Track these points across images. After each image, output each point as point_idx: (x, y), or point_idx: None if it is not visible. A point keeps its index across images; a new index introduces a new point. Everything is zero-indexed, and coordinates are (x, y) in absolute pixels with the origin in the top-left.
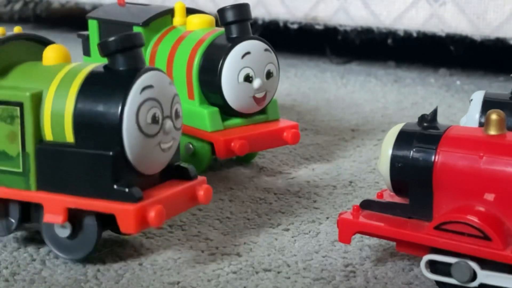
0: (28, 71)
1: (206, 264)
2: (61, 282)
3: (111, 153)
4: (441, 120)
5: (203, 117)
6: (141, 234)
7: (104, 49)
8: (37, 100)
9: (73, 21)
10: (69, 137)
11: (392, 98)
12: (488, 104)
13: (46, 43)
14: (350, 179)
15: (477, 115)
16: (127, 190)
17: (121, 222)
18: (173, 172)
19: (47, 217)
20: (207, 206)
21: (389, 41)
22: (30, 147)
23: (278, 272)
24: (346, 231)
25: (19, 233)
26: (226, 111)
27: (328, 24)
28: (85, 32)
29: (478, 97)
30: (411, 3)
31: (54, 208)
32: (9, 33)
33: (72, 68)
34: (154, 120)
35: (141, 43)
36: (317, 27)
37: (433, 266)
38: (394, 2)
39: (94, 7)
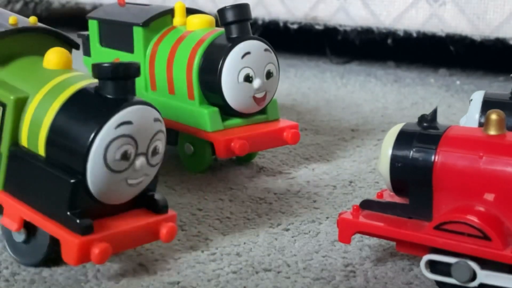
0: (24, 70)
1: (206, 264)
2: (61, 282)
3: (72, 180)
4: (441, 120)
5: (203, 117)
6: None
7: (97, 73)
8: (21, 104)
9: (73, 21)
10: (41, 151)
11: (392, 98)
12: (488, 104)
13: (61, 37)
14: (350, 179)
15: (477, 115)
16: (78, 221)
17: (64, 251)
18: (145, 201)
19: (4, 221)
20: (207, 206)
21: (389, 41)
22: (4, 148)
23: (278, 272)
24: (346, 231)
25: None
26: (226, 111)
27: (328, 24)
28: (85, 32)
29: (478, 97)
30: (411, 3)
31: (12, 215)
32: (21, 24)
33: (64, 80)
34: (124, 157)
35: (136, 74)
36: (317, 27)
37: (433, 266)
38: (394, 2)
39: (94, 7)
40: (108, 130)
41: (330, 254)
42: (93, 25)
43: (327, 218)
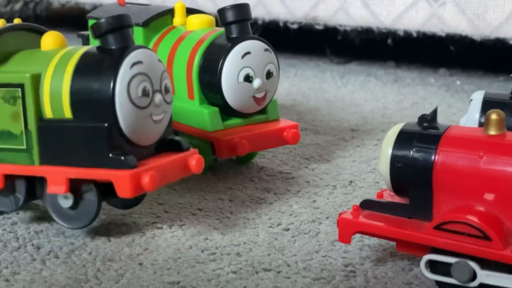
0: (27, 57)
1: (206, 264)
2: (61, 282)
3: (105, 124)
4: (441, 120)
5: (203, 117)
6: (141, 233)
7: (96, 30)
8: (37, 80)
9: (73, 21)
10: (67, 114)
11: (392, 98)
12: (488, 104)
13: (43, 32)
14: (350, 179)
15: (477, 115)
16: (122, 158)
17: (118, 187)
18: (167, 145)
19: (51, 188)
20: (207, 206)
21: (389, 41)
22: (32, 125)
23: (278, 272)
24: (346, 231)
25: (19, 233)
26: (226, 111)
27: (328, 24)
28: (85, 32)
29: (478, 97)
30: (411, 3)
31: (57, 180)
32: (8, 24)
33: (68, 50)
34: (145, 93)
35: (130, 23)
36: (317, 27)
37: (433, 266)
38: (394, 2)
39: (94, 7)
40: (125, 71)
41: (330, 254)
42: None
43: (327, 218)
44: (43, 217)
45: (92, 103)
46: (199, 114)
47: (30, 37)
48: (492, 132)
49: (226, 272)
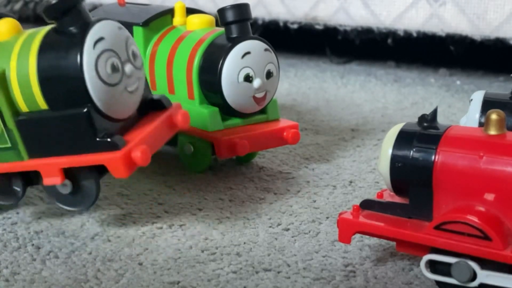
0: None
1: (206, 264)
2: (61, 282)
3: (84, 110)
4: (441, 120)
5: (203, 117)
6: (141, 233)
7: (49, 14)
8: (3, 79)
9: None
10: (42, 105)
11: (392, 98)
12: (488, 104)
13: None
14: (350, 179)
15: (477, 115)
16: (109, 139)
17: (112, 169)
18: (149, 106)
19: (47, 181)
20: (207, 206)
21: (389, 41)
22: (10, 123)
23: (278, 272)
24: (346, 231)
25: (19, 233)
26: (226, 111)
27: (328, 24)
28: None
29: (478, 97)
30: (411, 3)
31: (51, 171)
32: None
33: (25, 39)
34: (114, 69)
35: None
36: (317, 27)
37: (433, 266)
38: (394, 2)
39: (94, 7)
40: (89, 52)
41: (330, 254)
42: None
43: (327, 218)
44: (43, 217)
45: (64, 90)
46: (199, 114)
47: None
48: (492, 132)
49: (226, 272)
